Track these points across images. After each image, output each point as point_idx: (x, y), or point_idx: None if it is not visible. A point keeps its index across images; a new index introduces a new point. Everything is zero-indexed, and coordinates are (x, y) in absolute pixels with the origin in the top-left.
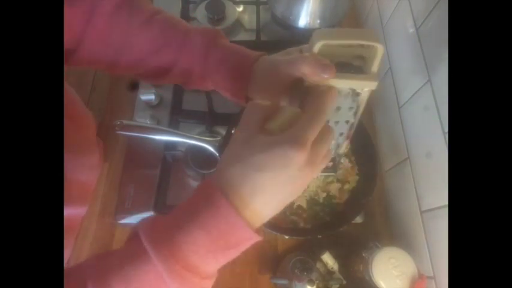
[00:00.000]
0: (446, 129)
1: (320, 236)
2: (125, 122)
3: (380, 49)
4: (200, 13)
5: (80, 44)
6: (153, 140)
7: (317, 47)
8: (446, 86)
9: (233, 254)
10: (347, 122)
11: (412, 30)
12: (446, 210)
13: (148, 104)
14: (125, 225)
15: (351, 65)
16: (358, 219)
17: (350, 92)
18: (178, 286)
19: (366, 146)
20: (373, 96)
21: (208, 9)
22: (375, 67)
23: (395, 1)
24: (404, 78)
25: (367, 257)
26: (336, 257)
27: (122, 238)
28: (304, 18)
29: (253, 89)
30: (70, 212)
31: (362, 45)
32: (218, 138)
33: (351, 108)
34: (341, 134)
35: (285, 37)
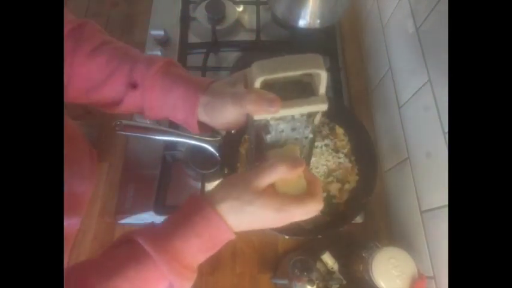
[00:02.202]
0: (446, 129)
1: (320, 236)
2: (125, 122)
3: (323, 75)
4: (200, 13)
5: None
6: (153, 140)
7: (257, 83)
8: (446, 86)
9: (215, 249)
10: (306, 138)
11: (412, 30)
12: (446, 210)
13: None
14: (125, 225)
15: (300, 82)
16: (358, 219)
17: (302, 115)
18: (178, 280)
19: (366, 146)
20: (373, 96)
21: (208, 9)
22: (321, 90)
23: (395, 1)
24: (404, 78)
25: (367, 257)
26: (336, 257)
27: None
28: (304, 18)
29: (204, 118)
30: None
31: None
32: (218, 138)
33: (306, 126)
34: (304, 146)
35: (285, 37)
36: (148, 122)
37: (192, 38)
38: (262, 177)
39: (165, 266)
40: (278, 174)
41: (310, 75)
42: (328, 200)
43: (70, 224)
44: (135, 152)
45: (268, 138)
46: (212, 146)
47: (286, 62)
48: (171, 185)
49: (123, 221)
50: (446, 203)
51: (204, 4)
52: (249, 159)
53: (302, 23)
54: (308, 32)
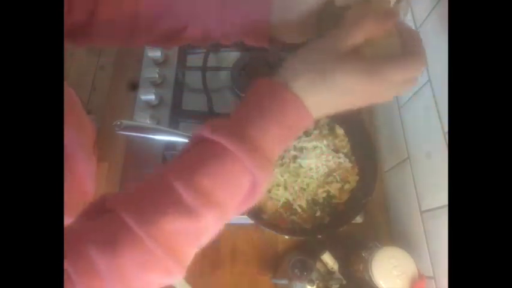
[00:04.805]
0: (446, 129)
1: (320, 236)
2: (125, 122)
3: None
4: None
5: (93, 14)
6: (153, 140)
7: None
8: (446, 86)
9: (292, 138)
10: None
11: None
12: (446, 210)
13: (148, 104)
14: None
15: None
16: (358, 219)
17: None
18: (260, 173)
19: (366, 145)
20: None
21: None
22: None
23: (395, 1)
24: None
25: (367, 257)
26: (336, 257)
27: None
28: None
29: (277, 26)
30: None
31: None
32: None
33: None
34: None
35: None
36: (148, 122)
37: None
38: (345, 37)
39: (247, 159)
40: (364, 32)
41: None
42: (328, 200)
43: None
44: (135, 152)
45: None
46: None
47: None
48: None
49: None
50: (446, 203)
51: None
52: None
53: None
54: None
